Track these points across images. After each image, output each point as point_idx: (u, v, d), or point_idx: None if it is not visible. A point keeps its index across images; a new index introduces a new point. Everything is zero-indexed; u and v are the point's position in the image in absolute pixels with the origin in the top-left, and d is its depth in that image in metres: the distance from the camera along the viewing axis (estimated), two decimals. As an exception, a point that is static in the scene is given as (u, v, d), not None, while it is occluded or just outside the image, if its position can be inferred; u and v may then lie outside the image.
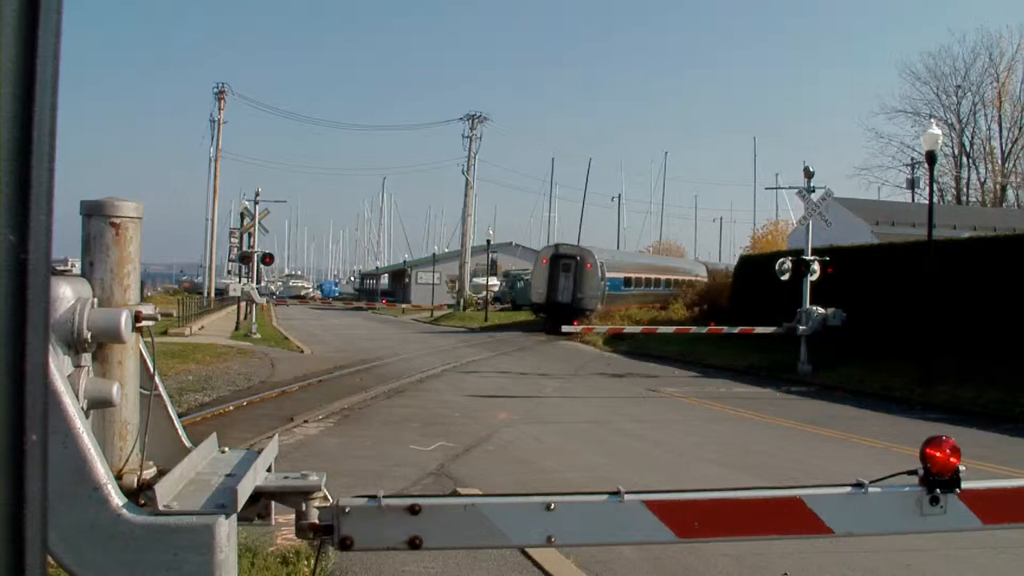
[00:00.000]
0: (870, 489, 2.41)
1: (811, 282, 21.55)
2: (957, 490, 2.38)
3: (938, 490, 2.37)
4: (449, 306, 56.57)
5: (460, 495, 2.41)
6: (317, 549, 2.42)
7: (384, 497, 2.31)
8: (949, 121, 53.41)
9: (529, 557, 6.02)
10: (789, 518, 2.40)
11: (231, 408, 13.62)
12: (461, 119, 60.39)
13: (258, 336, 30.74)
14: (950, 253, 19.91)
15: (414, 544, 2.30)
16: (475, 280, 59.10)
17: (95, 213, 2.36)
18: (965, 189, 55.16)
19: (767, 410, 15.26)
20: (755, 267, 29.57)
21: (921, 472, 2.40)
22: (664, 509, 2.35)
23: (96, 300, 2.28)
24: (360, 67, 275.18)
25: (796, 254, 22.90)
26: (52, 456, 1.81)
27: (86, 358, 2.22)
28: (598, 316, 36.64)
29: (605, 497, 2.35)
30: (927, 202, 21.75)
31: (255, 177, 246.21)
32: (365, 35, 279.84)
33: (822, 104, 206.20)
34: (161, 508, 1.94)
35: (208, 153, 52.23)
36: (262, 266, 34.46)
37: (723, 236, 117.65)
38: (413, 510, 2.28)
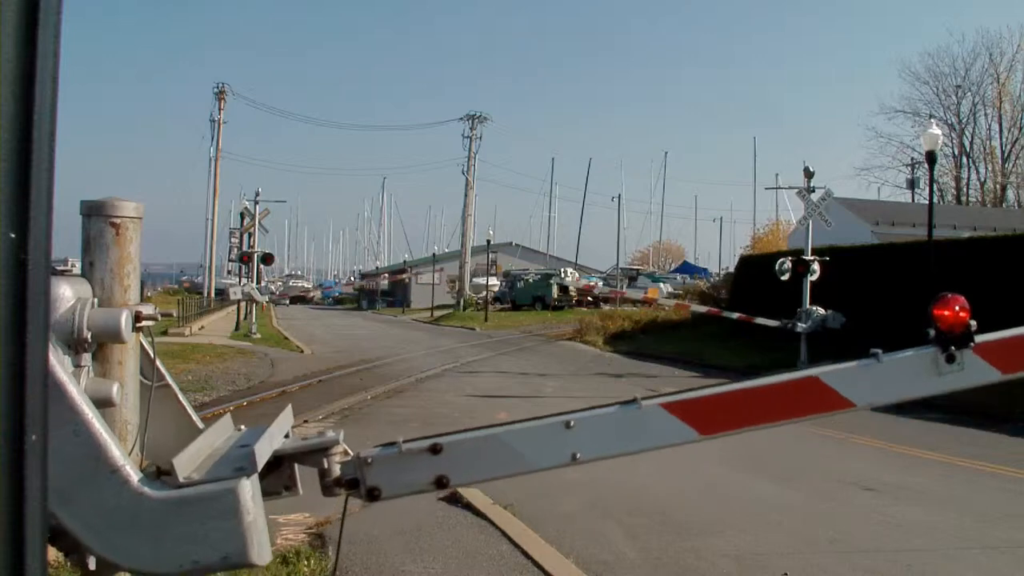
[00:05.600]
0: (884, 358, 2.38)
1: (811, 282, 21.56)
2: (971, 344, 2.34)
3: (952, 347, 2.33)
4: (449, 306, 56.57)
5: (480, 428, 2.40)
6: (345, 502, 2.41)
7: (404, 442, 2.31)
8: (949, 121, 53.48)
9: (529, 557, 6.03)
10: (809, 398, 2.39)
11: (231, 408, 13.59)
12: (461, 119, 60.47)
13: (258, 336, 30.74)
14: (950, 253, 19.90)
15: (441, 483, 2.29)
16: (475, 280, 59.09)
17: (95, 213, 2.36)
18: (965, 189, 55.22)
19: (767, 410, 15.25)
20: (755, 267, 29.56)
21: (933, 333, 2.37)
22: (683, 409, 2.36)
23: (96, 300, 2.28)
24: (360, 67, 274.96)
25: (796, 254, 22.89)
26: (66, 446, 1.83)
27: (86, 358, 2.22)
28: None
29: (623, 407, 2.34)
30: (927, 202, 21.76)
31: (255, 177, 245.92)
32: (365, 35, 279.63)
33: (822, 104, 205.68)
34: (181, 481, 1.93)
35: (208, 153, 52.20)
36: (262, 266, 34.48)
37: (723, 236, 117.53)
38: (435, 450, 2.28)
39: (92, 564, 2.09)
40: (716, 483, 9.18)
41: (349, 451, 2.35)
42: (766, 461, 10.50)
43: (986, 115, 54.58)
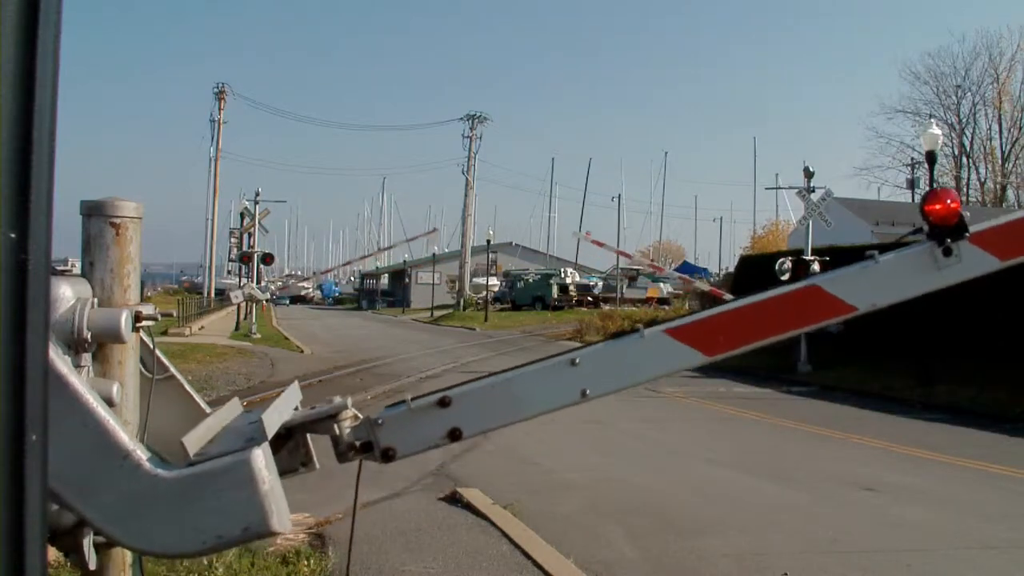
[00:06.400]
0: (881, 259, 2.37)
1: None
2: (966, 234, 2.31)
3: (948, 240, 2.30)
4: (449, 306, 56.58)
5: (487, 376, 2.40)
6: (359, 467, 2.40)
7: (412, 399, 2.31)
8: (949, 121, 53.47)
9: (529, 557, 6.03)
10: (811, 307, 2.37)
11: (231, 408, 13.59)
12: (461, 119, 60.57)
13: (258, 336, 30.76)
14: (950, 253, 19.87)
15: (454, 435, 2.28)
16: (475, 280, 59.12)
17: (95, 213, 2.36)
18: (965, 189, 55.18)
19: (767, 410, 15.27)
20: (755, 267, 29.58)
21: (926, 229, 2.33)
22: (686, 333, 2.34)
23: (96, 300, 2.28)
24: (360, 67, 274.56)
25: (796, 254, 22.94)
26: (74, 438, 1.82)
27: (86, 358, 2.22)
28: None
29: (627, 338, 2.35)
30: (927, 202, 21.73)
31: (255, 177, 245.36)
32: (365, 35, 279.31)
33: (822, 104, 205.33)
34: (193, 457, 1.92)
35: (208, 153, 52.14)
36: (262, 266, 34.49)
37: (723, 236, 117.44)
38: (444, 403, 2.28)
39: (92, 564, 2.09)
40: (716, 483, 9.18)
41: (359, 415, 2.35)
42: (766, 461, 10.50)
43: (986, 115, 54.61)
